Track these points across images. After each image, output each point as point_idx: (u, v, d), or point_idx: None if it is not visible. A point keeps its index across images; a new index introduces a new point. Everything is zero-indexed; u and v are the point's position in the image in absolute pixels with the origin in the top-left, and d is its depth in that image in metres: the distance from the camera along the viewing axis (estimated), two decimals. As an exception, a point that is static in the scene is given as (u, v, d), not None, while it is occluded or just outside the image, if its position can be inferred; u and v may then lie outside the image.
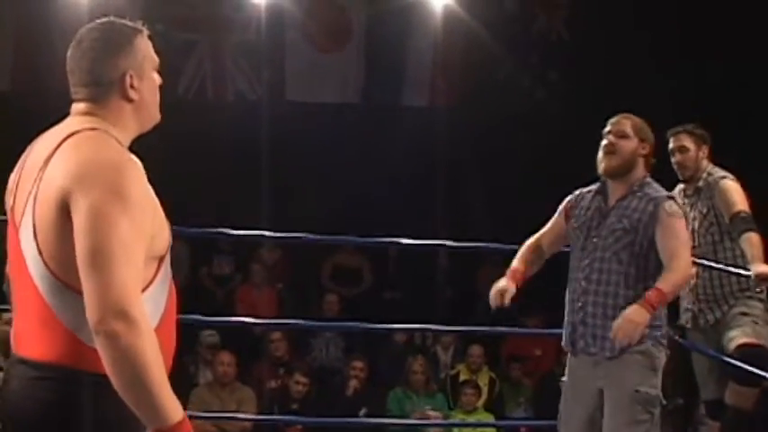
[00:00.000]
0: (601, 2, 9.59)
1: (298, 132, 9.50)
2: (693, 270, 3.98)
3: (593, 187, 4.11)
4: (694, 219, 4.84)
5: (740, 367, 4.54)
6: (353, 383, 7.37)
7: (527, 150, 9.39)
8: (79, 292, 2.03)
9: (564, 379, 4.15)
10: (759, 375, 4.54)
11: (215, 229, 5.87)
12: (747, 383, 4.63)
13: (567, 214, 4.14)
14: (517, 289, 4.12)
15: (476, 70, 10.07)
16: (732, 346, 4.66)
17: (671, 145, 4.93)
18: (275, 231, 6.41)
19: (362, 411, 7.09)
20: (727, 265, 4.73)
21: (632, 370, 3.85)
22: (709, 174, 4.84)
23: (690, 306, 4.89)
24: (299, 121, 9.59)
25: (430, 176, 10.15)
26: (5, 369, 2.21)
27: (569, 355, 4.09)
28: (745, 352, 4.59)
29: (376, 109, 9.95)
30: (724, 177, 4.78)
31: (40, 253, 2.09)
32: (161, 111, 2.33)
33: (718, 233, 4.79)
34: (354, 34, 10.18)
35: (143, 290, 2.08)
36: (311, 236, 5.87)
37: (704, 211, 4.81)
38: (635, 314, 3.72)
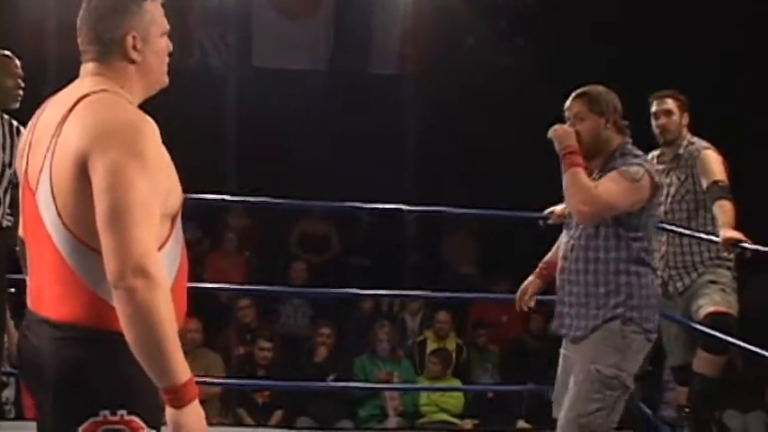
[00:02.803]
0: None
1: (264, 98, 9.45)
2: (598, 206, 3.67)
3: None
4: (670, 184, 4.87)
5: (709, 335, 4.60)
6: (321, 350, 7.39)
7: (494, 118, 9.40)
8: (99, 252, 2.08)
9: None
10: (727, 343, 4.61)
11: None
12: (716, 351, 4.68)
13: None
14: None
15: (444, 38, 10.06)
16: (701, 313, 4.71)
17: (654, 108, 4.95)
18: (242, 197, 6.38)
19: (330, 377, 7.11)
20: (698, 233, 4.78)
21: (593, 348, 3.72)
22: (691, 143, 4.88)
23: (660, 273, 4.94)
24: (266, 88, 9.54)
25: (398, 144, 10.15)
26: (24, 327, 2.28)
27: None
28: (714, 320, 4.64)
29: (344, 76, 9.90)
30: (707, 148, 4.82)
31: (60, 214, 2.13)
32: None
33: (693, 202, 4.83)
34: (322, 1, 10.12)
35: (160, 247, 2.14)
36: (278, 200, 5.85)
37: (682, 178, 4.85)
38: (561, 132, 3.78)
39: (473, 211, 6.80)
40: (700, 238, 4.77)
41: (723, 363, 4.76)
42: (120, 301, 2.04)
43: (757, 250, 4.40)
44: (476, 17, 9.93)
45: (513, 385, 7.21)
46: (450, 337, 7.76)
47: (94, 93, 2.20)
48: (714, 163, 4.76)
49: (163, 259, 2.13)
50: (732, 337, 4.58)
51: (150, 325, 2.03)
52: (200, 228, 9.02)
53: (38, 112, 2.30)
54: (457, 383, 7.45)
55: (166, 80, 2.37)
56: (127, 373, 2.12)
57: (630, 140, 3.86)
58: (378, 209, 6.38)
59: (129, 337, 2.05)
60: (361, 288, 7.07)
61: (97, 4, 2.26)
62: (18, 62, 4.40)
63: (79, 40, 2.29)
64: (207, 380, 6.61)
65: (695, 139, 4.90)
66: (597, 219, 3.73)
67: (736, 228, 4.51)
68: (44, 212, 2.15)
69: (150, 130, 2.16)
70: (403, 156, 10.20)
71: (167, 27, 2.35)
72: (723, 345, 4.63)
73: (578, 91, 3.87)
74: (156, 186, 2.11)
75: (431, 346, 7.65)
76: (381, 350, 7.40)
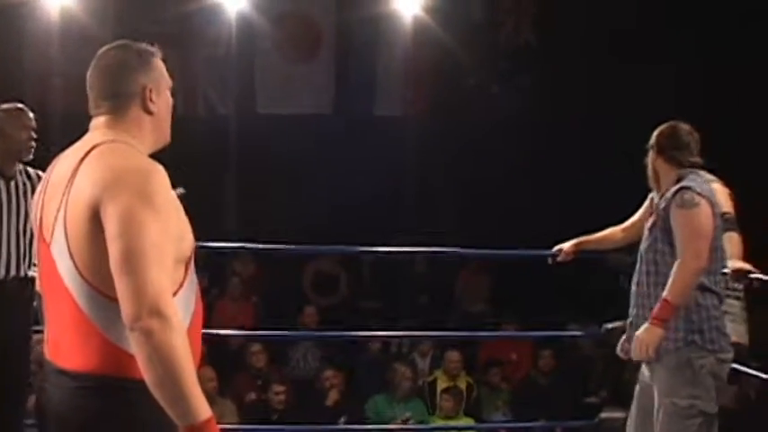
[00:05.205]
0: (567, 6, 9.66)
1: (269, 144, 9.51)
2: (700, 264, 3.86)
3: None
4: None
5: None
6: (332, 393, 7.38)
7: (502, 155, 9.43)
8: (114, 300, 2.12)
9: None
10: (738, 372, 4.61)
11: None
12: (727, 381, 4.68)
13: (651, 211, 4.14)
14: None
15: (446, 79, 10.12)
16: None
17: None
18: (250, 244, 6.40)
19: (342, 420, 7.09)
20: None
21: (666, 382, 3.86)
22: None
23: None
24: (271, 134, 9.60)
25: (404, 185, 10.19)
26: (42, 379, 2.31)
27: None
28: None
29: (348, 119, 9.96)
30: (714, 181, 4.82)
31: (75, 264, 2.18)
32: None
33: None
34: (324, 45, 10.21)
35: (175, 292, 2.18)
36: (288, 246, 5.88)
37: None
38: (644, 334, 3.83)
39: (484, 251, 6.83)
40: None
41: (734, 392, 4.75)
42: (138, 343, 2.07)
43: (766, 281, 4.40)
44: (477, 58, 9.99)
45: (524, 422, 7.19)
46: (460, 377, 7.75)
47: (105, 143, 2.27)
48: (721, 196, 4.76)
49: (178, 304, 2.16)
50: (742, 366, 4.58)
51: (168, 365, 2.06)
52: (208, 276, 9.04)
53: (50, 168, 2.37)
54: (469, 422, 7.43)
55: (169, 136, 2.44)
56: (144, 421, 2.15)
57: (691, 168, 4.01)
58: (386, 252, 6.39)
59: (147, 378, 2.08)
60: (371, 330, 7.07)
61: (108, 62, 2.36)
62: (31, 114, 4.47)
63: (91, 97, 2.37)
64: (221, 427, 6.59)
65: (702, 173, 4.89)
66: (705, 256, 3.86)
67: (745, 259, 4.52)
68: (59, 263, 2.20)
69: (160, 176, 2.21)
70: (406, 195, 10.23)
71: (171, 82, 2.44)
72: (734, 374, 4.62)
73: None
74: (168, 230, 2.16)
75: (441, 385, 7.64)
76: (401, 391, 7.39)
